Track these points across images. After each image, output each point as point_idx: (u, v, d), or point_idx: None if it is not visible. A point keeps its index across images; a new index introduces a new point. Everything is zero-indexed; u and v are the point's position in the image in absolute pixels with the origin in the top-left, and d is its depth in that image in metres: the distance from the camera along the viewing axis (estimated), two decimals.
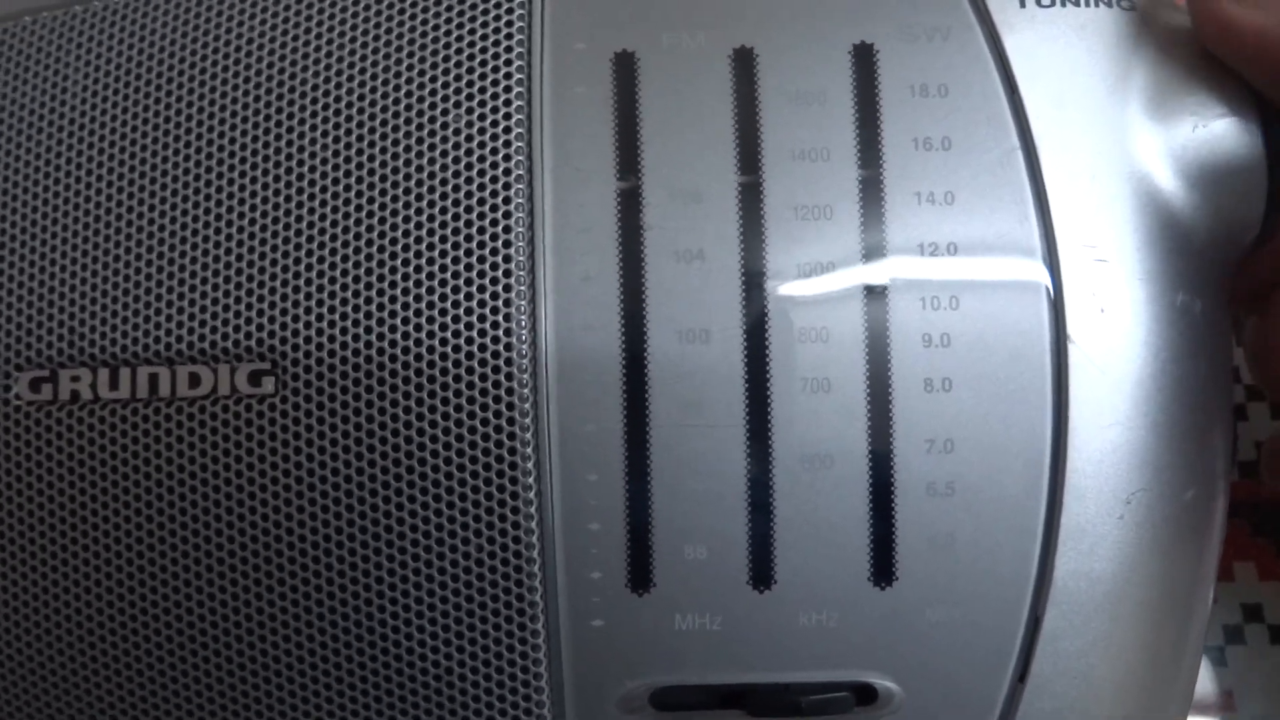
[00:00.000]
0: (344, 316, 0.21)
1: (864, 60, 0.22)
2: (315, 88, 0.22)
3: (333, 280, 0.22)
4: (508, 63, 0.22)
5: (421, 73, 0.22)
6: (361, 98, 0.22)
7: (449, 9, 0.22)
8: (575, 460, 0.21)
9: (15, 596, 0.22)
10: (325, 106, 0.22)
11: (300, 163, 0.22)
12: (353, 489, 0.21)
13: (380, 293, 0.21)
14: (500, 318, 0.21)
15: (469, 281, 0.21)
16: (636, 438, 0.21)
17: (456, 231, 0.21)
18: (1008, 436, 0.21)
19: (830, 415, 0.21)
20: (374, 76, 0.22)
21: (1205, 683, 0.32)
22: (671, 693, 0.22)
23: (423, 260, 0.21)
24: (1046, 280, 0.22)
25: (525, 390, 0.21)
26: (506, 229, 0.21)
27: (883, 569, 0.21)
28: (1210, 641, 0.32)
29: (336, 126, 0.22)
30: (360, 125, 0.22)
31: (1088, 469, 0.22)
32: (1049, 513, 0.22)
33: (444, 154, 0.22)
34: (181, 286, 0.22)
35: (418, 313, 0.21)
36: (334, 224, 0.22)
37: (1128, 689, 0.23)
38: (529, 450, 0.21)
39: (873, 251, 0.22)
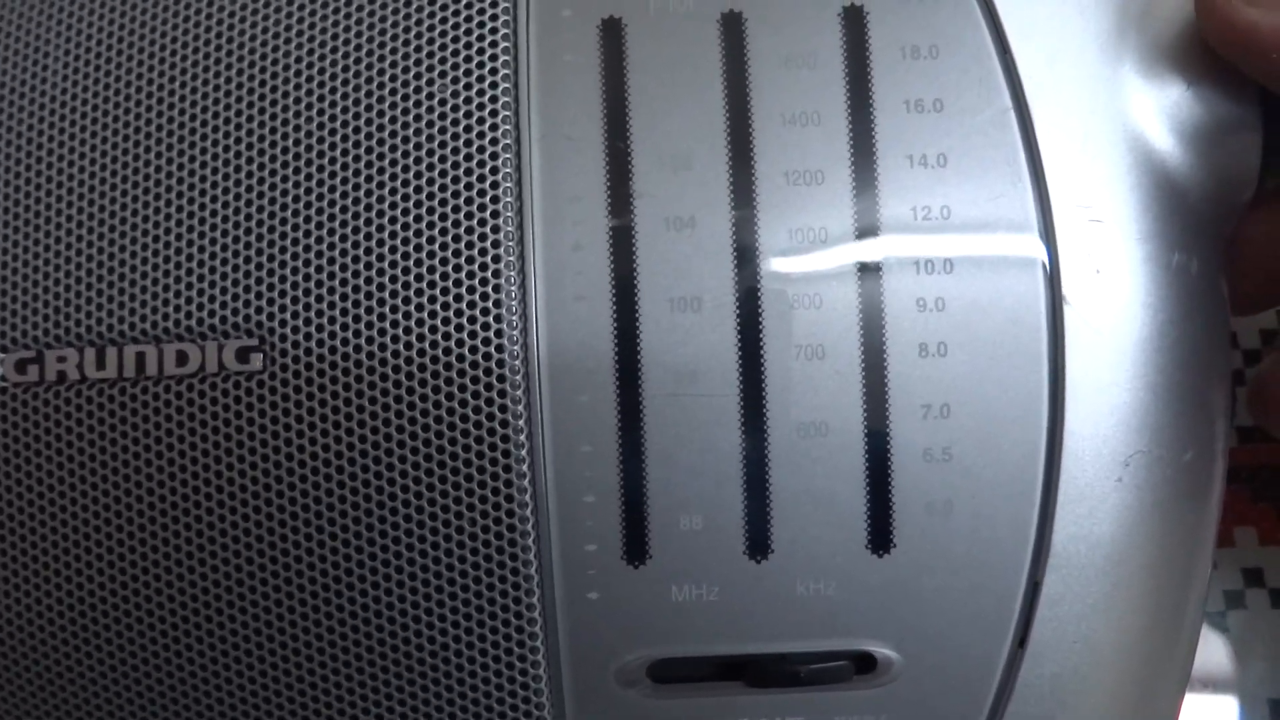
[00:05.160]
0: (331, 291, 0.21)
1: (854, 22, 0.22)
2: (300, 60, 0.22)
3: (319, 255, 0.21)
4: (494, 31, 0.22)
5: (406, 43, 0.22)
6: (346, 69, 0.22)
7: None
8: (569, 432, 0.21)
9: (4, 580, 0.22)
10: (310, 79, 0.22)
11: (285, 136, 0.22)
12: (343, 464, 0.21)
13: (368, 265, 0.21)
14: (490, 289, 0.21)
15: (457, 254, 0.21)
16: (630, 408, 0.21)
17: (444, 203, 0.21)
18: (1004, 400, 0.21)
19: (825, 382, 0.21)
20: (359, 48, 0.22)
21: (1221, 659, 0.31)
22: (669, 665, 0.22)
23: (410, 233, 0.21)
24: (1041, 242, 0.21)
25: (517, 362, 0.21)
26: (495, 199, 0.21)
27: (880, 536, 0.21)
28: (1211, 607, 0.32)
29: (321, 99, 0.22)
30: (345, 97, 0.22)
31: (1085, 432, 0.21)
32: (1047, 477, 0.21)
33: (430, 124, 0.21)
34: (168, 264, 0.22)
35: (405, 285, 0.21)
36: (319, 197, 0.21)
37: (1129, 653, 0.22)
38: (521, 423, 0.21)
39: (865, 216, 0.21)
